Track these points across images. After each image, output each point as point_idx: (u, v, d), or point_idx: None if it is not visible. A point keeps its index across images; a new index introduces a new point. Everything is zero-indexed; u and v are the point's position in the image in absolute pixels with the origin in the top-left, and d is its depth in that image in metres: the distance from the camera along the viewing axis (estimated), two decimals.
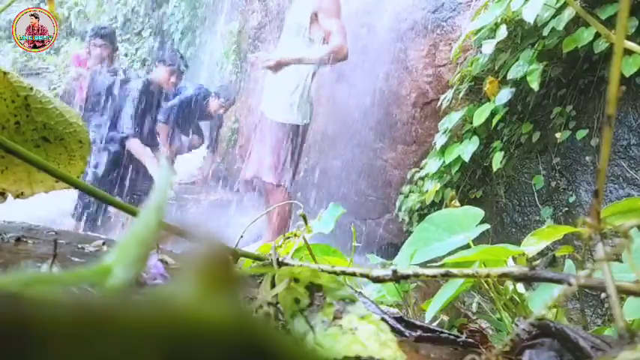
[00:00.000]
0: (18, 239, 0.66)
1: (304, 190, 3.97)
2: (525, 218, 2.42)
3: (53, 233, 0.79)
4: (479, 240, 0.68)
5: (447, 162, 2.69)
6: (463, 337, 0.48)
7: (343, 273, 0.46)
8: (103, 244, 0.71)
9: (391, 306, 0.75)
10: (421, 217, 2.90)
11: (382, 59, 3.48)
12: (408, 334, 0.46)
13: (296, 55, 2.75)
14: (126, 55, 7.20)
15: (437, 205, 2.84)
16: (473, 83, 2.71)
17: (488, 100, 2.49)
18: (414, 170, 3.18)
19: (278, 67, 2.78)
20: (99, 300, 0.09)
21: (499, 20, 2.32)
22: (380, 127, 3.51)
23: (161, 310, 0.09)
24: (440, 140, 2.80)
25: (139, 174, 3.60)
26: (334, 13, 2.73)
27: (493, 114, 2.44)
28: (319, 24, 2.71)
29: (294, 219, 3.36)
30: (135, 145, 3.48)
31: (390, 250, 3.34)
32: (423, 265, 0.63)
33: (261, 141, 2.84)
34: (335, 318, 0.38)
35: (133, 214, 0.43)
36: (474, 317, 1.02)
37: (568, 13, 1.97)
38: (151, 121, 3.68)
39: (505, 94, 2.35)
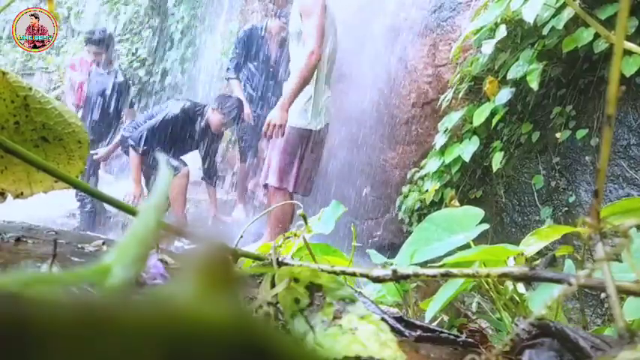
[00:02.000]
0: (18, 239, 0.66)
1: None
2: (525, 218, 2.42)
3: (53, 233, 0.79)
4: (478, 240, 0.68)
5: (447, 162, 2.69)
6: (463, 337, 0.48)
7: (343, 273, 0.46)
8: (103, 243, 0.71)
9: (391, 306, 0.75)
10: (421, 217, 2.90)
11: (382, 59, 3.48)
12: (408, 334, 0.46)
13: (286, 101, 2.57)
14: (126, 55, 7.20)
15: (437, 204, 2.84)
16: (473, 83, 2.71)
17: (488, 99, 2.49)
18: (414, 170, 3.18)
19: (283, 119, 2.57)
20: (99, 300, 0.09)
21: (499, 20, 2.32)
22: (380, 127, 3.51)
23: (161, 310, 0.09)
24: (440, 140, 2.80)
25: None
26: (313, 10, 2.57)
27: (493, 114, 2.44)
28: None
29: (295, 219, 3.35)
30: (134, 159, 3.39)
31: (390, 250, 3.34)
32: (423, 265, 0.63)
33: (273, 145, 2.83)
34: (335, 318, 0.38)
35: (133, 213, 0.43)
36: (474, 317, 1.02)
37: (567, 13, 1.97)
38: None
39: (505, 94, 2.35)
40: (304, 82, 2.58)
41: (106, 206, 4.01)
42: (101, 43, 3.86)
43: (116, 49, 4.10)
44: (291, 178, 2.74)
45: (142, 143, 3.34)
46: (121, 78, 3.98)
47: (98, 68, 3.92)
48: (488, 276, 0.40)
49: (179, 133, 3.46)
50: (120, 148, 3.74)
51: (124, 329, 0.09)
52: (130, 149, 3.39)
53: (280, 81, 3.80)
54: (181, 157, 3.61)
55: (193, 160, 3.92)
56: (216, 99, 3.63)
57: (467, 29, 2.59)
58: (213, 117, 3.51)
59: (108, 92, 3.89)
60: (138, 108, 4.51)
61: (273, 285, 0.42)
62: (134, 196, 3.38)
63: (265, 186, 2.87)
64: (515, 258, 0.60)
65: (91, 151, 3.80)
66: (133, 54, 7.22)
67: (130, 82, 5.06)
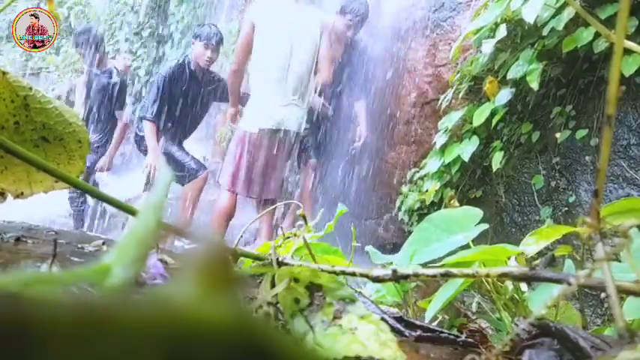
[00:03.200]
0: (18, 239, 0.66)
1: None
2: (525, 218, 2.42)
3: (53, 233, 0.79)
4: (478, 240, 0.68)
5: (447, 162, 2.69)
6: (463, 337, 0.48)
7: (343, 273, 0.46)
8: (103, 243, 0.71)
9: (391, 306, 0.75)
10: (421, 217, 2.90)
11: (382, 59, 3.48)
12: (408, 334, 0.46)
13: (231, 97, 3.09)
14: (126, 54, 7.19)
15: (436, 205, 2.84)
16: (473, 83, 2.71)
17: (488, 99, 2.49)
18: (413, 170, 3.18)
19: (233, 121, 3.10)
20: (99, 300, 0.09)
21: (499, 20, 2.32)
22: (380, 127, 3.51)
23: (161, 310, 0.09)
24: (440, 140, 2.80)
25: None
26: (242, 29, 2.93)
27: (493, 114, 2.44)
28: None
29: (294, 219, 3.36)
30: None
31: (391, 250, 3.34)
32: (423, 265, 0.63)
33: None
34: (335, 318, 0.38)
35: (132, 213, 0.43)
36: (474, 317, 1.02)
37: (568, 13, 1.97)
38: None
39: (505, 94, 2.35)
40: (233, 94, 3.08)
41: (93, 205, 3.96)
42: (80, 45, 3.72)
43: (102, 48, 3.88)
44: (224, 174, 2.96)
45: (151, 110, 3.27)
46: (116, 78, 3.89)
47: (95, 69, 3.84)
48: (488, 276, 0.40)
49: (180, 93, 3.39)
50: (137, 146, 3.68)
51: (124, 329, 0.09)
52: (144, 121, 3.30)
53: (341, 89, 3.44)
54: (195, 156, 3.58)
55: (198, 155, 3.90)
56: (194, 31, 3.54)
57: (467, 29, 2.59)
58: (196, 50, 3.40)
59: (103, 92, 3.79)
60: (131, 110, 4.43)
61: (273, 285, 0.42)
62: (153, 166, 3.28)
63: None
64: (516, 257, 0.60)
65: (95, 168, 3.78)
66: (133, 54, 7.22)
67: (129, 82, 4.99)
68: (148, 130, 3.31)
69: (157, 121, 3.30)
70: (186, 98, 3.42)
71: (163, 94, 3.30)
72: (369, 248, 0.92)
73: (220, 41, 3.46)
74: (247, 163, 2.85)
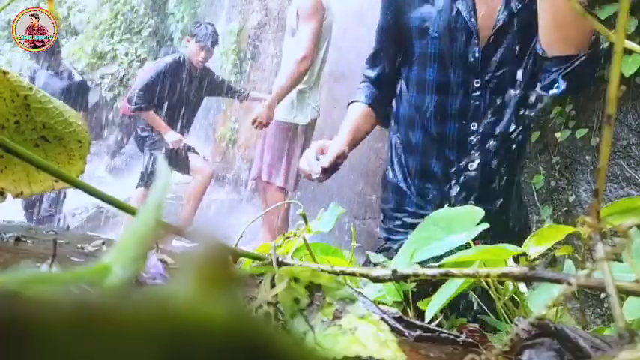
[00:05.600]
0: (17, 239, 0.66)
1: (303, 189, 3.96)
2: None
3: (53, 233, 0.79)
4: (478, 239, 0.68)
5: None
6: (463, 337, 0.48)
7: (343, 273, 0.46)
8: (103, 243, 0.71)
9: (391, 306, 0.75)
10: None
11: None
12: (407, 334, 0.46)
13: (273, 100, 2.62)
14: (126, 55, 7.19)
15: None
16: None
17: None
18: None
19: (269, 117, 2.63)
20: (98, 300, 0.09)
21: None
22: (379, 126, 3.51)
23: (160, 310, 0.09)
24: None
25: None
26: (312, 16, 2.60)
27: None
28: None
29: (295, 218, 3.35)
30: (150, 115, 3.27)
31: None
32: (423, 263, 0.63)
33: (263, 139, 2.86)
34: (335, 318, 0.38)
35: (132, 213, 0.43)
36: None
37: None
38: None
39: None
40: (294, 85, 2.62)
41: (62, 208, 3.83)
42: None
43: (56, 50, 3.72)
44: (280, 174, 2.77)
45: (142, 99, 3.23)
46: (78, 77, 3.75)
47: (45, 70, 3.68)
48: (488, 276, 0.40)
49: (175, 89, 3.36)
50: (138, 145, 3.63)
51: (124, 329, 0.09)
52: (139, 112, 3.28)
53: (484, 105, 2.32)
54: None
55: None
56: (190, 30, 3.55)
57: None
58: (190, 49, 3.40)
59: (58, 94, 3.56)
60: (94, 108, 4.31)
61: (272, 285, 0.42)
62: (178, 140, 3.26)
63: (255, 180, 2.90)
64: (514, 258, 0.60)
65: None
66: (133, 54, 7.22)
67: (91, 82, 4.84)
68: (149, 116, 3.27)
69: (149, 107, 3.25)
70: (181, 94, 3.40)
71: (154, 86, 3.27)
72: (370, 254, 0.92)
73: (215, 42, 3.45)
74: (296, 158, 2.72)
